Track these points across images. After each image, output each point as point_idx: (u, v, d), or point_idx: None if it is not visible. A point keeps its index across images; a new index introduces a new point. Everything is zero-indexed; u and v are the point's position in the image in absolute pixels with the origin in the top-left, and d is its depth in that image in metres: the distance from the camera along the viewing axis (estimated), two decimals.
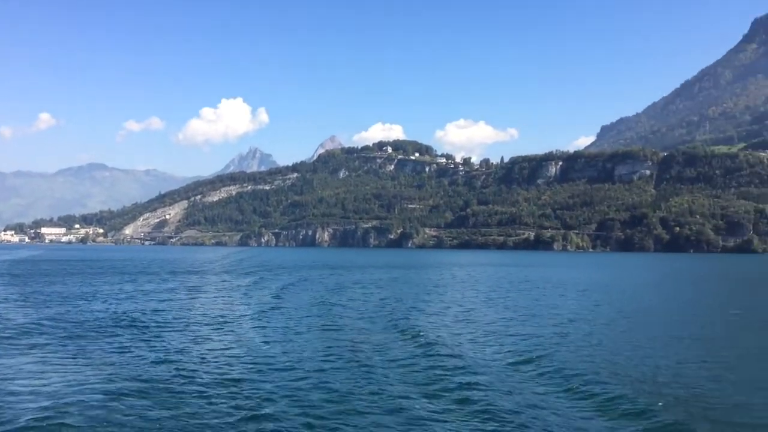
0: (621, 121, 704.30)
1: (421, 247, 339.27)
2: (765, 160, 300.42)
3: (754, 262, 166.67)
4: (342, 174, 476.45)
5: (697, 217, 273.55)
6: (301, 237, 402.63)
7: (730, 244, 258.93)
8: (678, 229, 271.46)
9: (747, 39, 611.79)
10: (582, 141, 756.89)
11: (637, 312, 44.79)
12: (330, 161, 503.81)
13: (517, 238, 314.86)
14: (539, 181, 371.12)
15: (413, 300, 49.98)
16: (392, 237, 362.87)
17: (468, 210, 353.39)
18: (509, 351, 27.60)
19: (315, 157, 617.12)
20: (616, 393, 20.24)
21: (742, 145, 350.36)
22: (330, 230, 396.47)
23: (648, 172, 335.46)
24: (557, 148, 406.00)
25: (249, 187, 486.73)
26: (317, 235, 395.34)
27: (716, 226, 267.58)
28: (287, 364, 24.15)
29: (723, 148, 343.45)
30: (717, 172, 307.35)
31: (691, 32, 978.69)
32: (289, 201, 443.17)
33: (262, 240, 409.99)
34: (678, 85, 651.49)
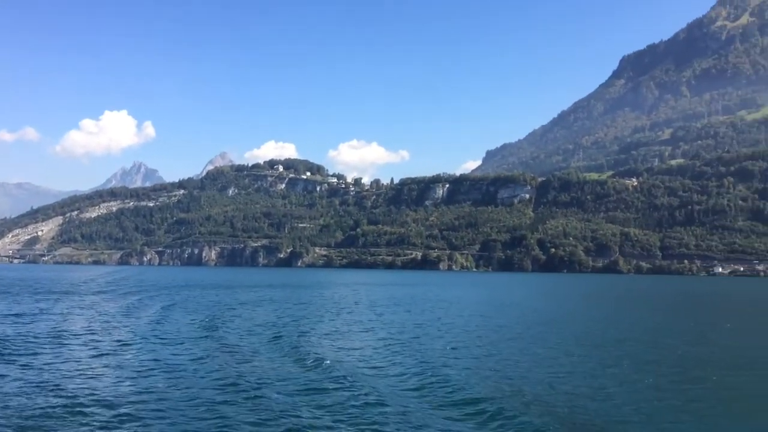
0: (505, 146, 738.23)
1: (311, 266, 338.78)
2: (630, 187, 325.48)
3: (620, 281, 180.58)
4: (231, 192, 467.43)
5: (571, 239, 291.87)
6: (186, 256, 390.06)
7: (599, 265, 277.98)
8: (553, 250, 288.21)
9: (616, 75, 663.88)
10: (469, 164, 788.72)
11: (519, 327, 47.97)
12: (219, 178, 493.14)
13: (405, 257, 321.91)
14: (427, 203, 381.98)
15: (304, 320, 50.05)
16: (282, 256, 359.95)
17: (358, 230, 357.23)
18: (404, 372, 27.86)
19: (203, 174, 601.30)
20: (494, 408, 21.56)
21: (610, 172, 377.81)
22: (217, 249, 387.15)
23: (527, 195, 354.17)
24: (446, 171, 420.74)
25: (131, 203, 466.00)
26: (204, 254, 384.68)
27: (587, 247, 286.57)
28: (167, 394, 22.80)
29: (594, 175, 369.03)
30: (588, 197, 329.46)
31: (567, 67, 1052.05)
32: (174, 218, 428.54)
33: (145, 259, 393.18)
34: (555, 115, 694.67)
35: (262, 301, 73.70)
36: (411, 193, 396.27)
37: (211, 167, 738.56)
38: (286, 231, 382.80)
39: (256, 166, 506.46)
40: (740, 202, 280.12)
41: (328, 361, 29.57)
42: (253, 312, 57.32)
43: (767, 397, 25.33)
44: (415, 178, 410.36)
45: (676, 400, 23.85)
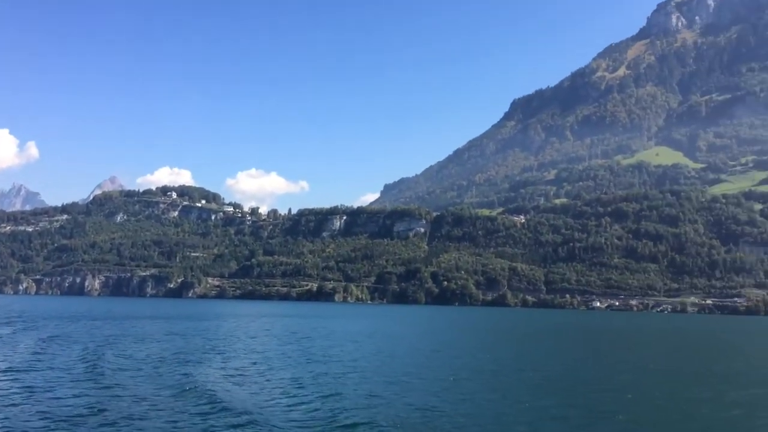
0: (402, 181, 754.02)
1: (203, 297, 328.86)
2: (518, 224, 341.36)
3: (503, 314, 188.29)
4: (120, 218, 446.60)
5: (463, 272, 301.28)
6: (67, 285, 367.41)
7: (488, 298, 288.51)
8: (446, 283, 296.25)
9: (507, 116, 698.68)
10: (368, 197, 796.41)
11: (413, 357, 49.48)
12: (107, 204, 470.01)
13: (300, 289, 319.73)
14: (325, 234, 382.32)
15: (192, 354, 49.19)
16: (172, 286, 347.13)
17: (253, 260, 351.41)
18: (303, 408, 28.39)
19: (90, 199, 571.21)
20: None
21: (500, 209, 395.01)
22: (102, 278, 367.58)
23: (422, 229, 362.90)
24: (345, 203, 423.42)
25: (8, 227, 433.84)
26: (87, 283, 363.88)
27: (478, 281, 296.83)
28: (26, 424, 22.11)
29: (485, 211, 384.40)
30: (480, 232, 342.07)
31: (463, 107, 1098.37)
32: (55, 245, 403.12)
33: (21, 287, 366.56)
34: (451, 152, 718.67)
35: (156, 333, 71.46)
36: (308, 224, 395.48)
37: (99, 192, 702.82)
38: (178, 260, 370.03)
39: (147, 192, 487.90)
40: (616, 240, 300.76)
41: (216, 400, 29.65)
42: (145, 346, 55.66)
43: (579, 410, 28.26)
44: (313, 209, 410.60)
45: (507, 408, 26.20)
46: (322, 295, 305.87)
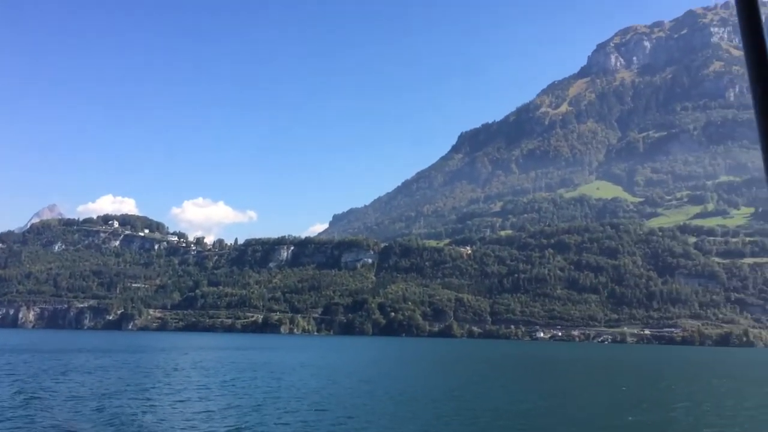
0: (351, 211, 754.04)
1: (144, 329, 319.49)
2: (464, 255, 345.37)
3: (447, 345, 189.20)
4: (58, 247, 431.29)
5: (410, 303, 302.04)
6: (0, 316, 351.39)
7: (435, 329, 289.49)
8: (393, 314, 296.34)
9: (455, 149, 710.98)
10: (317, 227, 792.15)
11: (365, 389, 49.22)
12: (45, 233, 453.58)
13: (245, 320, 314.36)
14: (271, 265, 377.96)
15: (124, 392, 47.90)
16: (111, 318, 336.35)
17: (197, 291, 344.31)
18: None
19: (27, 227, 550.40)
20: None
21: (447, 240, 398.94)
22: (37, 309, 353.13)
23: (370, 260, 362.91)
24: (294, 233, 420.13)
25: None
26: (20, 315, 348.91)
27: (424, 312, 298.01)
28: None
29: (433, 243, 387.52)
30: (427, 263, 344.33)
31: (412, 139, 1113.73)
32: None
33: None
34: (400, 184, 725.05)
35: (90, 368, 69.18)
36: (255, 254, 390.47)
37: (36, 220, 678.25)
38: (118, 291, 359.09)
39: (88, 220, 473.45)
40: (559, 272, 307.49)
41: None
42: (79, 383, 53.82)
43: None
44: (260, 239, 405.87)
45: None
46: (267, 327, 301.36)
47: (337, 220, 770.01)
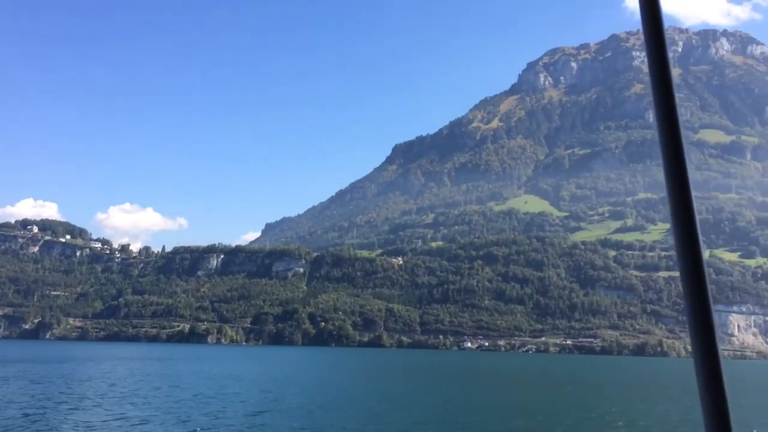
0: (284, 220, 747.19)
1: (63, 338, 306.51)
2: (396, 266, 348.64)
3: (383, 356, 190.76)
4: None
5: (340, 313, 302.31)
6: None
7: (365, 339, 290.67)
8: (324, 324, 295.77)
9: (389, 161, 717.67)
10: (250, 236, 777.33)
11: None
12: None
13: (171, 330, 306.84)
14: (200, 273, 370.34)
15: (10, 405, 46.49)
16: (27, 327, 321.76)
17: (121, 299, 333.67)
18: None
19: None
20: None
21: (380, 251, 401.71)
22: None
23: (302, 270, 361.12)
24: (226, 241, 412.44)
25: None
26: None
27: (355, 322, 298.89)
28: None
29: (365, 253, 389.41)
30: (359, 273, 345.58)
31: (347, 149, 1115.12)
32: None
33: None
34: (333, 194, 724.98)
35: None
36: (183, 262, 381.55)
37: None
38: (35, 299, 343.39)
39: (5, 225, 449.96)
40: (487, 283, 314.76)
41: None
42: None
43: None
44: (189, 246, 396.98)
45: None
46: (194, 337, 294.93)
47: (269, 228, 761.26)
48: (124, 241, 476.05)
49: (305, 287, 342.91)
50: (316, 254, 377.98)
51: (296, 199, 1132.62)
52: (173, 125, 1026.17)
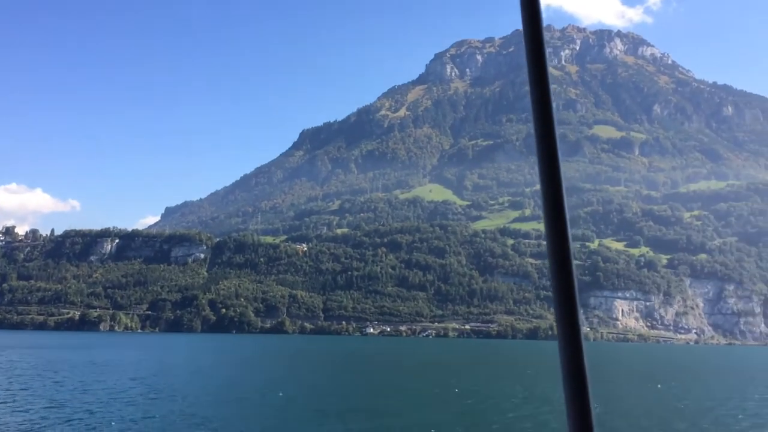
0: (186, 204, 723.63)
1: None
2: (300, 252, 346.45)
3: (286, 341, 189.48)
4: None
5: (242, 299, 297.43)
6: None
7: (267, 325, 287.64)
8: (224, 310, 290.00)
9: (296, 146, 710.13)
10: (149, 220, 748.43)
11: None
12: None
13: (60, 317, 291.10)
14: (92, 258, 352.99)
15: None
16: None
17: (5, 285, 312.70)
18: None
19: None
20: None
21: (284, 237, 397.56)
22: None
23: (203, 255, 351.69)
24: (122, 225, 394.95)
25: None
26: None
27: (257, 308, 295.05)
28: None
29: (269, 239, 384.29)
30: (262, 259, 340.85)
31: (252, 133, 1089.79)
32: None
33: None
34: (238, 178, 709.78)
35: None
36: (74, 246, 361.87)
37: None
38: None
39: None
40: (390, 270, 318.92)
41: None
42: None
43: None
44: (81, 230, 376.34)
45: None
46: (85, 324, 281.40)
47: (169, 212, 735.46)
48: (9, 223, 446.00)
49: (206, 273, 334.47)
50: (218, 240, 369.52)
51: (199, 182, 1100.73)
52: (65, 102, 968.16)
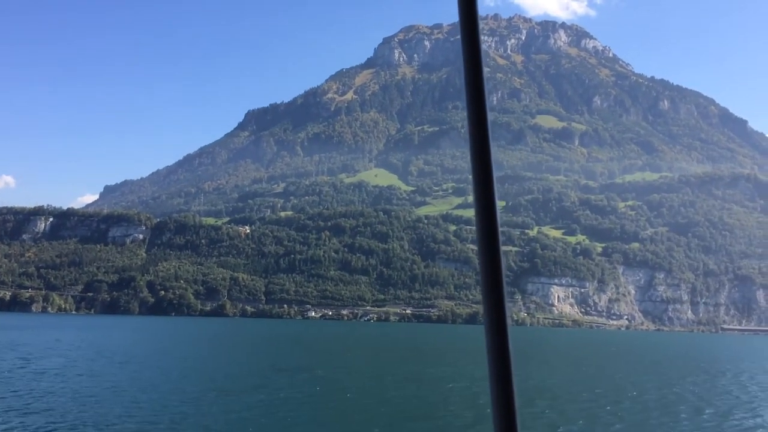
0: (126, 183, 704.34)
1: None
2: (243, 234, 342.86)
3: (227, 325, 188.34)
4: None
5: (182, 282, 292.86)
6: None
7: (207, 308, 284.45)
8: (163, 292, 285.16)
9: (241, 127, 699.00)
10: (87, 198, 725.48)
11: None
12: None
13: None
14: (25, 237, 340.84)
15: None
16: None
17: None
18: None
19: None
20: None
21: (227, 219, 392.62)
22: None
23: (141, 236, 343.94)
24: (59, 203, 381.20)
25: None
26: None
27: (197, 291, 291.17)
28: None
29: (211, 220, 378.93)
30: (203, 241, 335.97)
31: (198, 113, 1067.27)
32: None
33: None
34: (181, 157, 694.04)
35: None
36: (5, 224, 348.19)
37: None
38: None
39: None
40: (333, 254, 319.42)
41: None
42: None
43: None
44: (12, 207, 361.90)
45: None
46: (16, 305, 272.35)
47: (109, 191, 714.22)
48: None
49: (145, 255, 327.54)
50: (157, 220, 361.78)
51: (140, 162, 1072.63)
52: (3, 73, 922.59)
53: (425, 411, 36.92)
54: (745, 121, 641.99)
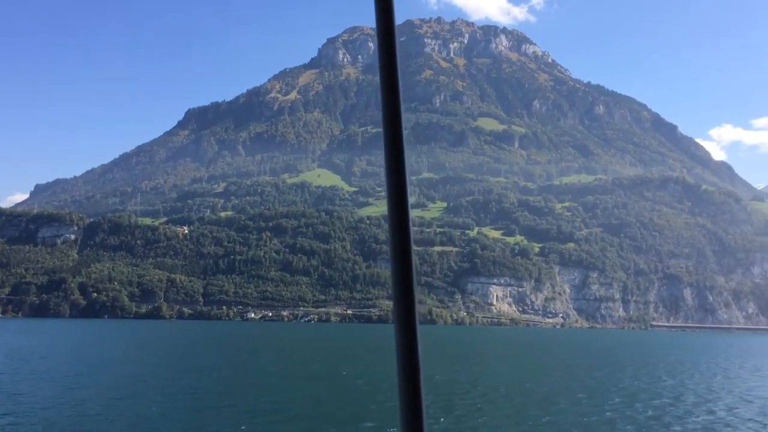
0: (58, 182, 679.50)
1: None
2: (180, 235, 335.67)
3: (159, 327, 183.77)
4: None
5: (116, 283, 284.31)
6: None
7: (142, 310, 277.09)
8: (96, 294, 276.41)
9: (181, 125, 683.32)
10: (17, 197, 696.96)
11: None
12: None
13: None
14: None
15: None
16: None
17: None
18: None
19: None
20: None
21: (164, 219, 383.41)
22: None
23: (73, 236, 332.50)
24: None
25: None
26: None
27: (132, 292, 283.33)
28: None
29: (148, 220, 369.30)
30: (139, 242, 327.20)
31: (136, 109, 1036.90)
32: None
33: None
34: (117, 156, 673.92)
35: None
36: None
37: None
38: None
39: None
40: (274, 254, 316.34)
41: None
42: None
43: None
44: None
45: None
46: None
47: (39, 190, 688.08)
48: None
49: (76, 256, 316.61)
50: (90, 220, 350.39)
51: (73, 160, 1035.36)
52: None
53: (311, 409, 37.20)
54: (675, 127, 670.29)
